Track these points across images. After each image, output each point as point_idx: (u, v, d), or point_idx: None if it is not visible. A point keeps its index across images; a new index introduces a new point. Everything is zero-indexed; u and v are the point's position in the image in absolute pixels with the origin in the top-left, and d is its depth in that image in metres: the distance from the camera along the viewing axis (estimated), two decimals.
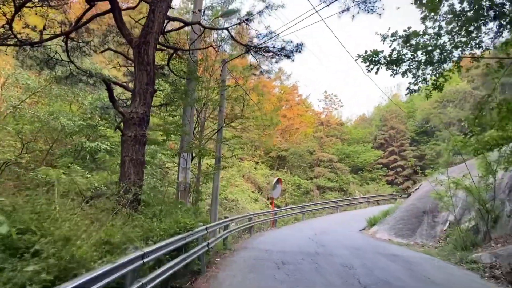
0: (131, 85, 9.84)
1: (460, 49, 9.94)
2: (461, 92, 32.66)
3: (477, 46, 9.98)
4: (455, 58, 9.88)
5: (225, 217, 12.18)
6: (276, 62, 11.54)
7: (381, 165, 45.44)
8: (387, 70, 9.78)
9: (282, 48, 10.76)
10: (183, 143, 10.71)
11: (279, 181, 21.38)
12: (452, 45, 9.73)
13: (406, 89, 10.34)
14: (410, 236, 15.13)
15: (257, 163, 37.96)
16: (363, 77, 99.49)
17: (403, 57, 9.47)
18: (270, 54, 10.80)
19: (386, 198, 33.88)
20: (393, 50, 9.45)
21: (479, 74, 42.92)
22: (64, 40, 9.81)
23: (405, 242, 14.71)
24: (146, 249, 4.60)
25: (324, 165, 40.79)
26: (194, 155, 11.61)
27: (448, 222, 14.66)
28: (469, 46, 9.90)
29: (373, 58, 9.58)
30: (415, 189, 18.69)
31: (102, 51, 10.05)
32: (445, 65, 10.22)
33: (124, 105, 10.67)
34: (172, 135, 10.80)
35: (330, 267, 9.34)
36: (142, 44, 8.13)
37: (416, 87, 10.04)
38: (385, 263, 10.17)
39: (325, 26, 66.16)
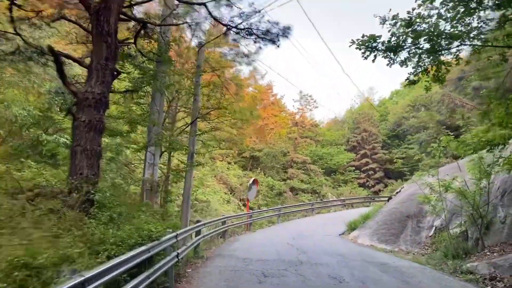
0: (88, 61, 8.24)
1: (460, 40, 9.03)
2: (438, 93, 32.57)
3: (477, 37, 9.12)
4: (456, 48, 8.99)
5: (197, 221, 10.79)
6: (260, 48, 10.27)
7: (354, 168, 45.23)
8: (384, 58, 8.74)
9: (267, 31, 9.49)
10: (151, 135, 9.21)
11: (255, 182, 20.11)
12: (452, 34, 8.79)
13: (406, 80, 9.36)
14: (394, 242, 14.26)
15: (229, 163, 36.57)
16: (337, 78, 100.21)
17: (404, 43, 8.48)
18: (253, 37, 9.49)
19: (360, 201, 33.40)
20: (392, 35, 8.43)
21: (452, 79, 43.62)
22: (9, 6, 8.12)
23: (389, 249, 13.82)
24: (89, 274, 3.14)
25: (298, 167, 39.97)
26: (163, 149, 10.14)
27: (434, 227, 13.89)
28: (469, 36, 9.02)
29: (370, 44, 8.52)
30: (396, 192, 17.96)
31: (54, 20, 8.38)
32: (443, 57, 9.42)
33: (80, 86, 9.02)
34: (138, 125, 9.29)
35: (318, 280, 8.17)
36: (102, 10, 6.64)
37: (415, 78, 9.07)
38: (376, 274, 9.12)
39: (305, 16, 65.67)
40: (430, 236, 13.80)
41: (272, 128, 39.27)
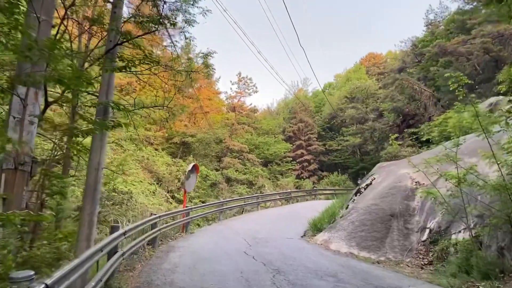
0: None
1: None
2: (391, 75, 31.05)
3: None
4: None
5: (112, 228, 6.43)
6: None
7: (291, 159, 42.90)
8: None
9: None
10: (22, 66, 4.56)
11: (195, 168, 15.75)
12: None
13: None
14: (378, 248, 11.21)
15: (156, 149, 31.49)
16: (272, 65, 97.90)
17: None
18: None
19: (303, 195, 30.85)
20: None
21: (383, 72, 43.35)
22: None
23: (374, 258, 10.74)
24: None
25: (234, 156, 36.26)
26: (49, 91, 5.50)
27: (428, 230, 11.08)
28: None
29: None
30: (366, 184, 15.05)
31: None
32: None
33: None
34: None
35: None
36: None
37: None
38: None
39: None
40: (424, 241, 10.96)
41: (207, 111, 34.85)
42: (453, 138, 9.43)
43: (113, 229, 6.44)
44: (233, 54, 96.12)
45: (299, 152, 43.82)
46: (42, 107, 5.11)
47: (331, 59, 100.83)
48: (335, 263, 9.23)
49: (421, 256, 10.61)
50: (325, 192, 32.91)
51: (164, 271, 7.55)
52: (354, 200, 14.71)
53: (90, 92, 7.00)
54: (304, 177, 42.35)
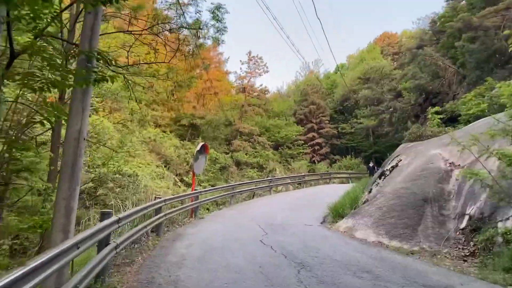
0: None
1: None
2: (410, 53, 29.21)
3: None
4: None
5: (103, 215, 5.21)
6: None
7: (302, 142, 41.51)
8: None
9: None
10: None
11: (204, 148, 14.50)
12: None
13: None
14: (410, 237, 9.95)
15: (164, 131, 30.34)
16: (283, 46, 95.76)
17: None
18: None
19: (321, 178, 29.65)
20: None
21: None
22: None
23: (407, 248, 9.49)
24: None
25: (244, 138, 35.00)
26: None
27: (468, 216, 9.76)
28: None
29: None
30: (391, 166, 13.72)
31: None
32: None
33: None
34: None
35: None
36: None
37: None
38: None
39: None
40: (463, 230, 9.66)
41: (216, 92, 33.47)
42: (507, 109, 8.03)
43: (104, 216, 5.24)
44: (241, 34, 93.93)
45: (310, 135, 42.46)
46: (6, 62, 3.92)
47: (343, 40, 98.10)
48: (365, 255, 8.01)
49: (460, 247, 9.34)
50: (339, 176, 31.61)
51: (169, 265, 6.38)
52: (378, 183, 13.42)
53: (71, 41, 5.71)
54: (316, 161, 41.09)
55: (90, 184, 14.41)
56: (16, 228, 4.03)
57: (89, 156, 14.12)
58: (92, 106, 18.58)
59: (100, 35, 5.85)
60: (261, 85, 41.20)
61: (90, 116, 15.69)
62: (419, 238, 9.88)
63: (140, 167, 18.55)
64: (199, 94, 33.87)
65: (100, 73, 4.14)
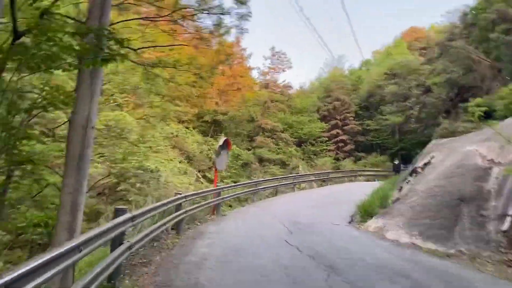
0: None
1: None
2: (440, 46, 28.02)
3: None
4: None
5: (116, 212, 4.85)
6: None
7: (326, 139, 40.67)
8: None
9: None
10: None
11: (227, 143, 14.15)
12: None
13: None
14: (446, 239, 9.28)
15: (187, 128, 30.27)
16: (306, 42, 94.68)
17: None
18: None
19: (346, 175, 28.92)
20: None
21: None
22: None
23: (442, 250, 8.84)
24: None
25: (266, 135, 34.52)
26: None
27: (510, 217, 8.99)
28: None
29: None
30: (423, 163, 12.98)
31: None
32: None
33: None
34: None
35: None
36: None
37: None
38: None
39: None
40: (505, 232, 8.90)
41: (239, 88, 33.12)
42: None
43: (118, 213, 4.91)
44: (264, 29, 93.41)
45: (334, 132, 41.57)
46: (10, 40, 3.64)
47: (368, 35, 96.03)
48: (399, 258, 7.44)
49: (502, 250, 8.60)
50: (365, 173, 30.74)
51: (189, 265, 6.01)
52: (409, 181, 12.72)
53: (78, 19, 5.37)
54: (340, 158, 40.23)
55: (113, 180, 14.34)
56: (13, 227, 3.74)
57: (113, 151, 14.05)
58: (116, 102, 18.64)
59: (116, 23, 5.53)
60: (284, 80, 40.44)
61: (112, 111, 15.63)
62: (456, 240, 9.19)
63: (162, 163, 18.43)
64: (221, 90, 33.61)
65: (108, 52, 3.77)
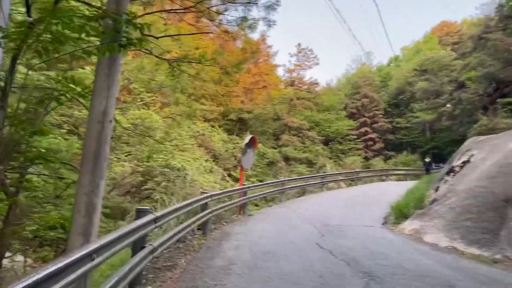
0: None
1: None
2: (474, 41, 26.65)
3: None
4: None
5: (138, 213, 4.55)
6: None
7: (355, 137, 39.65)
8: None
9: None
10: None
11: (253, 141, 13.82)
12: None
13: None
14: (490, 243, 8.57)
15: (213, 126, 30.21)
16: (336, 37, 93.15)
17: None
18: None
19: (376, 174, 28.06)
20: None
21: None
22: None
23: (487, 256, 8.15)
24: None
25: (292, 133, 33.96)
26: None
27: None
28: None
29: None
30: (462, 162, 12.19)
31: None
32: None
33: None
34: None
35: None
36: None
37: None
38: None
39: None
40: None
41: (265, 86, 32.74)
42: None
43: (140, 214, 4.63)
44: (290, 26, 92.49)
45: (363, 129, 40.56)
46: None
47: (397, 33, 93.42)
48: (442, 264, 6.86)
49: None
50: (396, 172, 29.73)
51: (215, 270, 5.68)
52: (446, 181, 11.97)
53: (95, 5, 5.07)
54: (369, 156, 39.19)
55: (140, 178, 14.32)
56: (21, 230, 3.50)
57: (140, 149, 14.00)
58: (143, 101, 18.70)
59: (139, 16, 5.28)
60: (310, 78, 39.71)
61: (139, 110, 15.61)
62: (502, 244, 8.46)
63: (188, 161, 18.32)
64: (247, 88, 33.34)
65: (125, 37, 3.46)
